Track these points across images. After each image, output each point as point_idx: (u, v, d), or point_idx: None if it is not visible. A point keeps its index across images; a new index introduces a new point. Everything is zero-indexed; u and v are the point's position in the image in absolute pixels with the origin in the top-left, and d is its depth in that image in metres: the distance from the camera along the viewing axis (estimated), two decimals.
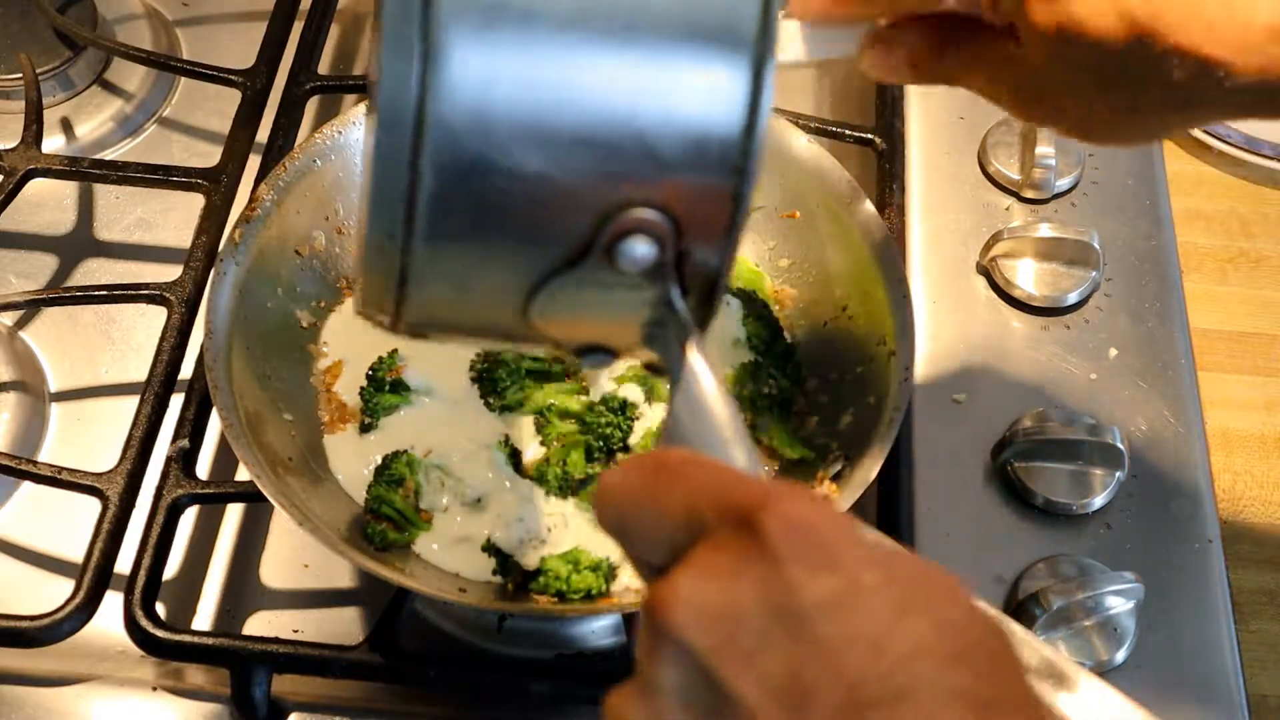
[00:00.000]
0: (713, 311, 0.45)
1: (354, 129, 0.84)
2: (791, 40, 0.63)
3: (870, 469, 0.70)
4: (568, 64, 0.41)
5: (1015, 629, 0.61)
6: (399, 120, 0.41)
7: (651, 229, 0.42)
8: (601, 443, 0.76)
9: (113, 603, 0.72)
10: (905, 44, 0.62)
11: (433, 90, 0.40)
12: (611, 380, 0.78)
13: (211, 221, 0.86)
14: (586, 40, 0.41)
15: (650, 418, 0.78)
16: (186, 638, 0.70)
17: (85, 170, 0.91)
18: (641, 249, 0.42)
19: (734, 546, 0.37)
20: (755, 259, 0.87)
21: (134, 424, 0.77)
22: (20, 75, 0.95)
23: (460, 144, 0.41)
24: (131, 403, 0.78)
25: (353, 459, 0.77)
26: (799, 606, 0.35)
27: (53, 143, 0.97)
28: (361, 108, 0.85)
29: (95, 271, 0.93)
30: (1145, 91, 0.54)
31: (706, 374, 0.43)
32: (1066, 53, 0.54)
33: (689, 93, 0.42)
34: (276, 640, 0.70)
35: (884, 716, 0.34)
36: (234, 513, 0.82)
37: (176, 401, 0.79)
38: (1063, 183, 0.93)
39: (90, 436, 0.84)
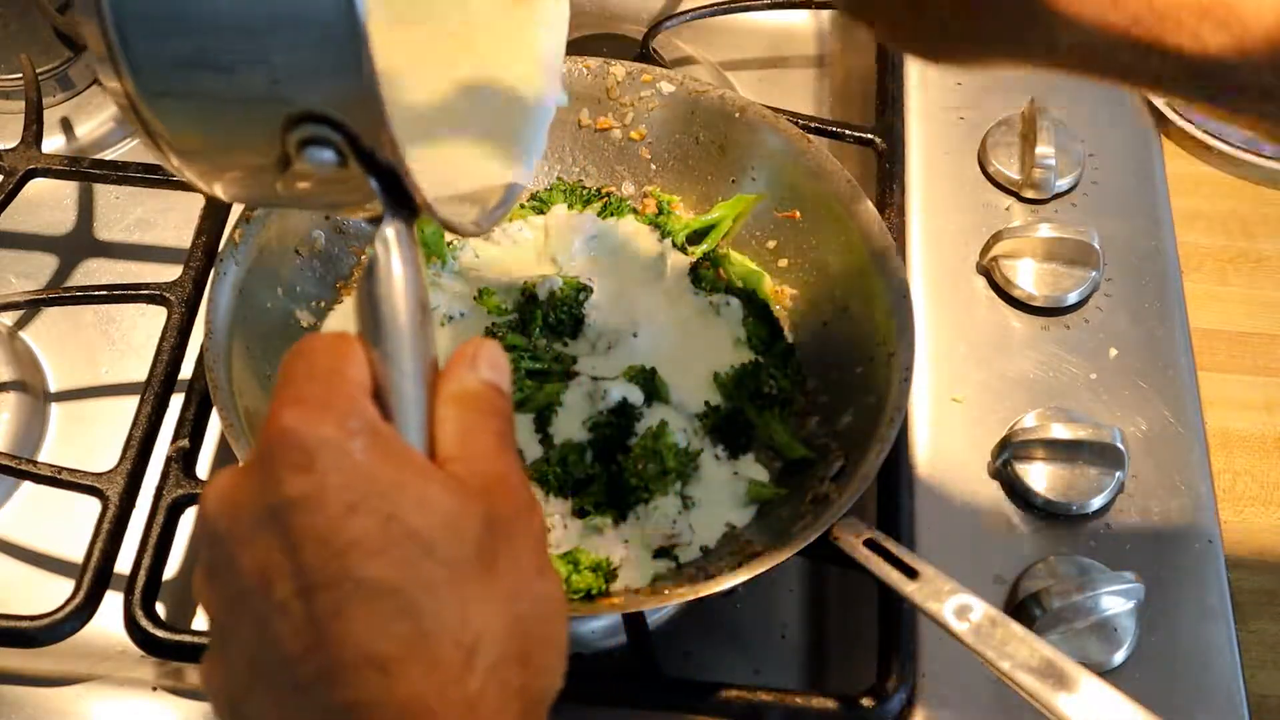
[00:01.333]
0: (412, 194, 0.48)
1: None
2: None
3: (870, 469, 0.70)
4: None
5: (1015, 628, 0.61)
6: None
7: (323, 136, 0.45)
8: (601, 443, 0.76)
9: (113, 603, 0.72)
10: None
11: None
12: (611, 381, 0.78)
13: (211, 221, 0.86)
14: None
15: (650, 418, 0.78)
16: (186, 637, 0.70)
17: (85, 170, 0.91)
18: (323, 154, 0.45)
19: (256, 447, 0.44)
20: (755, 259, 0.87)
21: (134, 424, 0.77)
22: (20, 75, 0.95)
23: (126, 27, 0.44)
24: (131, 403, 0.78)
25: None
26: (276, 502, 0.42)
27: (53, 143, 0.97)
28: None
29: (95, 271, 0.93)
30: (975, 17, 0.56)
31: (393, 271, 0.47)
32: None
33: None
34: None
35: (319, 600, 0.40)
36: None
37: (176, 401, 0.79)
38: (1063, 183, 0.93)
39: (90, 436, 0.84)
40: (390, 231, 0.47)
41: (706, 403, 0.79)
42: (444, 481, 0.44)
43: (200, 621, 0.78)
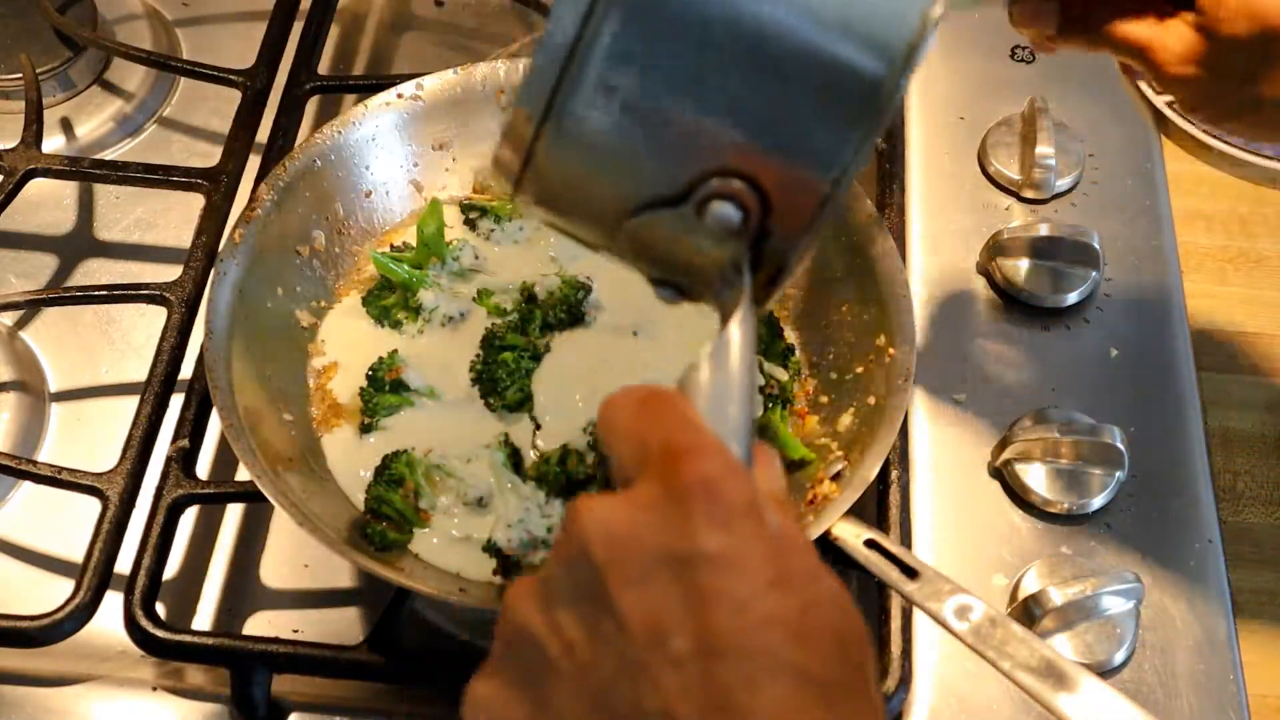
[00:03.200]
0: (772, 293, 0.50)
1: (354, 129, 0.84)
2: None
3: (870, 469, 0.70)
4: None
5: (1015, 628, 0.61)
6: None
7: (743, 200, 0.46)
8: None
9: (113, 603, 0.72)
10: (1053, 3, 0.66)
11: None
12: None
13: (211, 221, 0.86)
14: None
15: None
16: (186, 638, 0.70)
17: (85, 170, 0.91)
18: (728, 212, 0.47)
19: (656, 485, 0.42)
20: None
21: (134, 424, 0.77)
22: (20, 75, 0.95)
23: (631, 22, 0.44)
24: (131, 403, 0.78)
25: (352, 459, 0.77)
26: (688, 553, 0.40)
27: (53, 143, 0.97)
28: (361, 108, 0.85)
29: (95, 271, 0.93)
30: None
31: (738, 346, 0.47)
32: (1241, 26, 0.59)
33: (833, 83, 0.46)
34: (276, 640, 0.71)
35: (726, 666, 0.39)
36: (234, 513, 0.82)
37: (176, 401, 0.79)
38: (1063, 183, 0.93)
39: (90, 436, 0.84)
40: (747, 320, 0.47)
41: None
42: (836, 577, 0.42)
43: (201, 622, 0.78)
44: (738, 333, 0.47)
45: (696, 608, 0.39)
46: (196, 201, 0.88)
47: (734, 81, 0.45)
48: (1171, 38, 0.61)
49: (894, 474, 0.76)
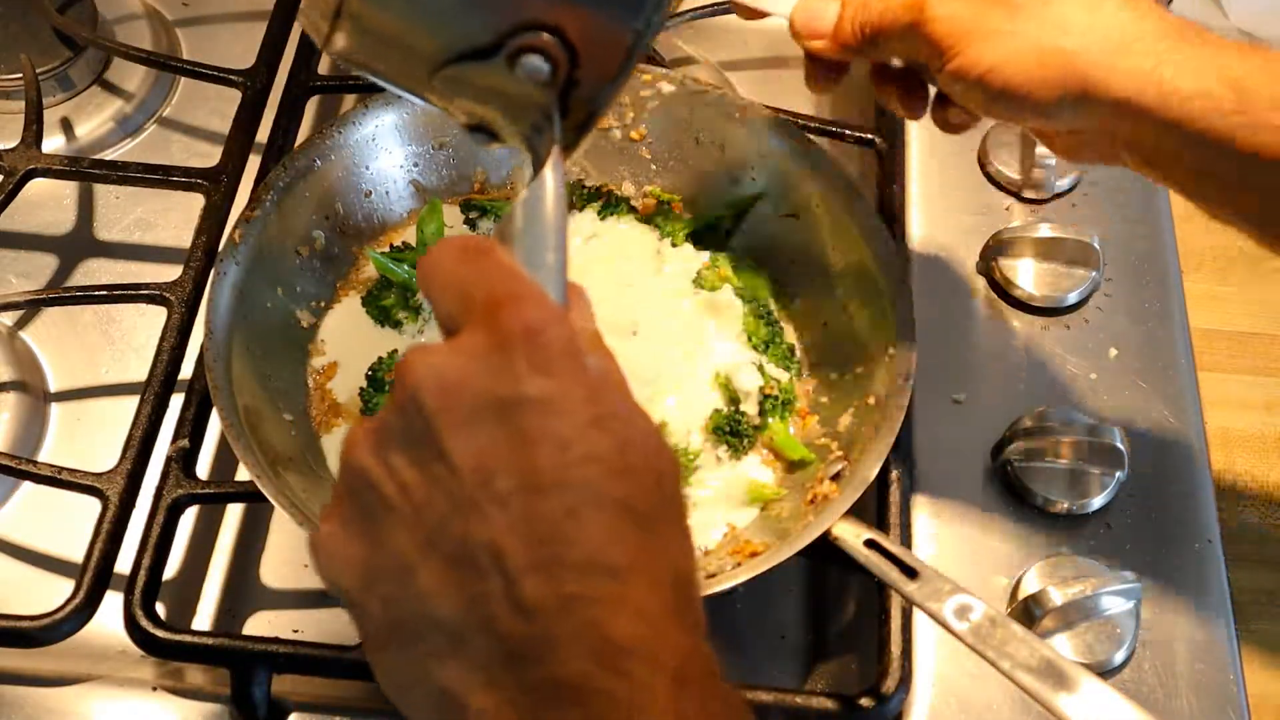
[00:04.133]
0: (581, 138, 0.52)
1: (354, 129, 0.84)
2: None
3: (870, 469, 0.70)
4: None
5: (1015, 628, 0.61)
6: None
7: (551, 53, 0.48)
8: None
9: (113, 603, 0.72)
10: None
11: None
12: None
13: (211, 221, 0.86)
14: None
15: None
16: (186, 638, 0.70)
17: (85, 170, 0.91)
18: (538, 64, 0.48)
19: (481, 334, 0.44)
20: (756, 259, 0.87)
21: (134, 424, 0.77)
22: (20, 75, 0.95)
23: None
24: (131, 403, 0.78)
25: None
26: (513, 397, 0.42)
27: (53, 143, 0.97)
28: (361, 108, 0.85)
29: (95, 271, 0.93)
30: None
31: (552, 188, 0.49)
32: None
33: None
34: (276, 640, 0.70)
35: (549, 500, 0.42)
36: (234, 513, 0.82)
37: (176, 401, 0.79)
38: (1063, 183, 0.93)
39: (90, 436, 0.84)
40: (558, 166, 0.49)
41: (708, 404, 0.79)
42: (650, 419, 0.45)
43: (201, 622, 0.78)
44: (550, 179, 0.48)
45: (521, 448, 0.42)
46: (196, 201, 0.88)
47: None
48: None
49: (894, 474, 0.76)
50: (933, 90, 0.69)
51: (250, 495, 0.73)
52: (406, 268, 0.83)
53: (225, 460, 0.82)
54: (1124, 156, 0.64)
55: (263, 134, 0.92)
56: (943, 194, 0.94)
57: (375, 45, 0.51)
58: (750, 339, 0.82)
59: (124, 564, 0.73)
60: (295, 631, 0.77)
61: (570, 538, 0.41)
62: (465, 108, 0.54)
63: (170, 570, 0.76)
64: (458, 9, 0.48)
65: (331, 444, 0.78)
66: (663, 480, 0.44)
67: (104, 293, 0.85)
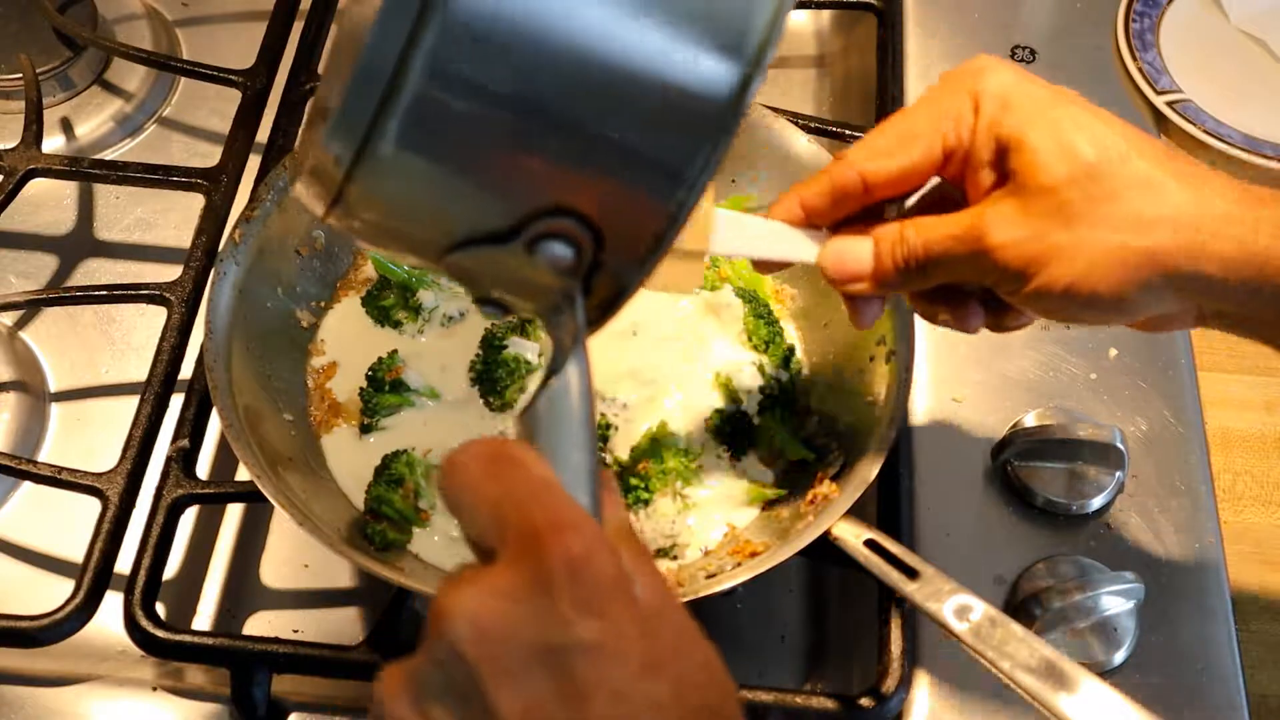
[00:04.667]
0: (607, 319, 0.47)
1: None
2: (762, 237, 0.64)
3: (870, 469, 0.70)
4: (583, 4, 0.41)
5: (1015, 629, 0.61)
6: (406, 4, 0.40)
7: (575, 238, 0.44)
8: (601, 443, 0.76)
9: (113, 603, 0.72)
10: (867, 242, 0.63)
11: None
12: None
13: (211, 221, 0.86)
14: None
15: (651, 418, 0.78)
16: (186, 638, 0.70)
17: (85, 170, 0.91)
18: (560, 251, 0.44)
19: (519, 569, 0.40)
20: None
21: (134, 424, 0.77)
22: (20, 75, 0.95)
23: (459, 43, 0.41)
24: (131, 403, 0.78)
25: (352, 459, 0.77)
26: (562, 643, 0.39)
27: (53, 142, 0.97)
28: None
29: (95, 271, 0.93)
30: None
31: (577, 381, 0.45)
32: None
33: (665, 108, 0.43)
34: (276, 640, 0.70)
35: None
36: (234, 513, 0.82)
37: (176, 401, 0.79)
38: None
39: (90, 436, 0.84)
40: (581, 356, 0.45)
41: (708, 404, 0.79)
42: (707, 643, 0.42)
43: (201, 622, 0.78)
44: (575, 371, 0.45)
45: (574, 701, 0.39)
46: (196, 201, 0.88)
47: (562, 113, 0.42)
48: (990, 210, 0.58)
49: (894, 474, 0.76)
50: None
51: (250, 495, 0.73)
52: (406, 267, 0.83)
53: (225, 460, 0.82)
54: (1211, 323, 0.61)
55: (263, 134, 0.92)
56: None
57: (378, 230, 0.47)
58: (750, 339, 0.82)
59: (124, 564, 0.73)
60: (295, 631, 0.77)
61: None
62: (476, 287, 0.49)
63: (170, 570, 0.76)
64: (471, 197, 0.44)
65: (331, 444, 0.78)
66: (730, 713, 0.42)
67: (104, 293, 0.85)
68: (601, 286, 0.46)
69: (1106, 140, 0.56)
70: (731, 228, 0.63)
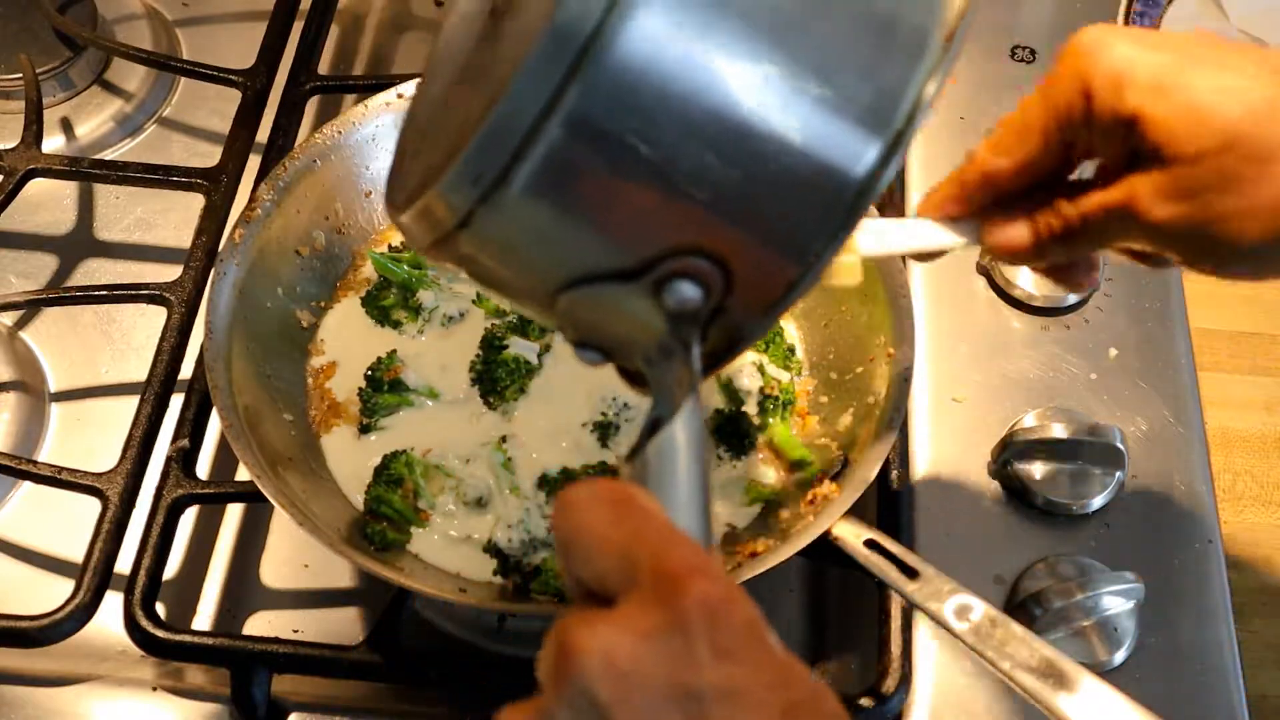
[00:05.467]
0: (717, 368, 0.47)
1: (354, 129, 0.84)
2: (911, 234, 0.63)
3: (870, 469, 0.70)
4: (735, 67, 0.41)
5: (1015, 628, 0.61)
6: (561, 51, 0.39)
7: (707, 280, 0.43)
8: (603, 442, 0.76)
9: (113, 603, 0.72)
10: (1023, 215, 0.61)
11: (611, 29, 0.39)
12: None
13: (211, 221, 0.86)
14: (758, 51, 0.41)
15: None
16: (186, 638, 0.70)
17: (85, 170, 0.91)
18: (690, 293, 0.43)
19: (655, 610, 0.39)
20: None
21: (134, 424, 0.77)
22: (20, 75, 0.95)
23: (603, 99, 0.40)
24: (131, 403, 0.78)
25: (351, 459, 0.77)
26: (698, 687, 0.38)
27: (53, 142, 0.97)
28: (362, 108, 0.84)
29: (95, 271, 0.93)
30: None
31: (693, 429, 0.44)
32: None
33: (808, 167, 0.43)
34: (276, 640, 0.70)
35: None
36: (234, 513, 0.82)
37: (176, 401, 0.79)
38: None
39: (90, 436, 0.84)
40: (696, 399, 0.44)
41: (709, 405, 0.79)
42: (835, 696, 0.42)
43: (201, 622, 0.77)
44: (689, 419, 0.44)
45: None
46: (196, 201, 0.88)
47: (712, 166, 0.42)
48: (1140, 183, 0.56)
49: (894, 474, 0.76)
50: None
51: (250, 495, 0.73)
52: (406, 267, 0.83)
53: (225, 460, 0.82)
54: None
55: (263, 134, 0.92)
56: None
57: (488, 268, 0.46)
58: None
59: (124, 564, 0.73)
60: (295, 631, 0.77)
61: None
62: (583, 328, 0.48)
63: (170, 570, 0.76)
64: (597, 240, 0.43)
65: (330, 444, 0.78)
66: None
67: (104, 293, 0.85)
68: (717, 335, 0.46)
69: (1246, 96, 0.53)
70: (874, 236, 0.62)
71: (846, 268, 0.62)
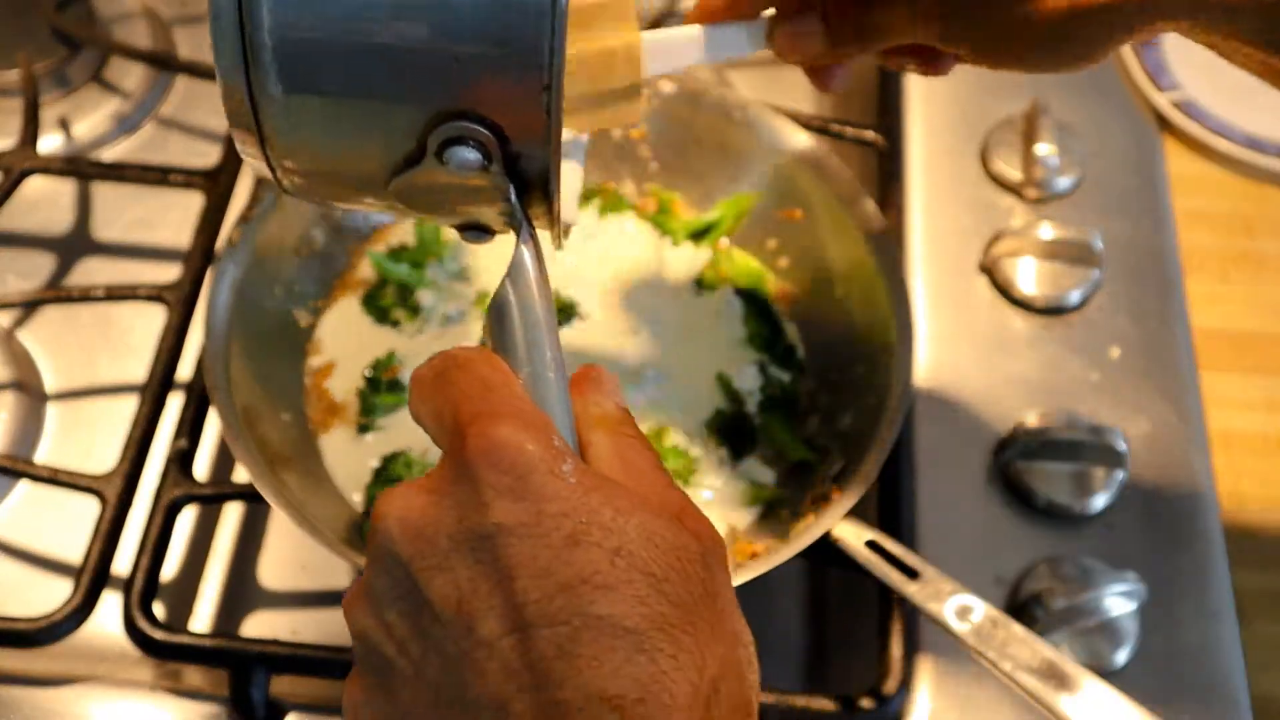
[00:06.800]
0: (553, 198, 0.48)
1: None
2: (691, 44, 0.63)
3: (871, 469, 0.70)
4: None
5: (1016, 629, 0.61)
6: None
7: (474, 136, 0.44)
8: None
9: (111, 603, 0.72)
10: (812, 15, 0.62)
11: None
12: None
13: (210, 221, 0.86)
14: None
15: (651, 419, 0.78)
16: (185, 639, 0.70)
17: (83, 169, 0.90)
18: (468, 154, 0.45)
19: (447, 465, 0.41)
20: (756, 258, 0.86)
21: (132, 424, 0.76)
22: (17, 73, 0.94)
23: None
24: (129, 403, 0.78)
25: (350, 459, 0.77)
26: (485, 528, 0.39)
27: (50, 141, 0.97)
28: None
29: (93, 271, 0.93)
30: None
31: (523, 280, 0.45)
32: None
33: None
34: (275, 641, 0.70)
35: (539, 638, 0.38)
36: (232, 513, 0.82)
37: (175, 402, 0.78)
38: (1064, 182, 0.93)
39: (88, 437, 0.84)
40: (529, 243, 0.46)
41: (709, 404, 0.79)
42: (657, 511, 0.41)
43: (199, 623, 0.77)
44: (525, 260, 0.45)
45: (500, 584, 0.38)
46: (195, 201, 0.88)
47: (411, 28, 0.43)
48: None
49: (894, 474, 0.76)
50: None
51: (248, 495, 0.73)
52: (405, 267, 0.82)
53: (223, 461, 0.82)
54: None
55: None
56: (943, 193, 0.94)
57: (320, 183, 0.49)
58: (751, 338, 0.82)
59: (122, 565, 0.72)
60: (294, 632, 0.77)
61: (565, 679, 0.37)
62: (436, 213, 0.51)
63: (168, 571, 0.76)
64: (371, 126, 0.45)
65: (329, 444, 0.78)
66: (661, 584, 0.39)
67: (102, 293, 0.85)
68: (529, 172, 0.46)
69: None
70: (661, 50, 0.63)
71: (629, 107, 0.62)
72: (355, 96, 0.44)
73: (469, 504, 0.39)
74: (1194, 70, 1.00)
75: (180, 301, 0.81)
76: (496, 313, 0.45)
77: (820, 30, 0.61)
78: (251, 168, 0.49)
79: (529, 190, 0.46)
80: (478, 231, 0.50)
